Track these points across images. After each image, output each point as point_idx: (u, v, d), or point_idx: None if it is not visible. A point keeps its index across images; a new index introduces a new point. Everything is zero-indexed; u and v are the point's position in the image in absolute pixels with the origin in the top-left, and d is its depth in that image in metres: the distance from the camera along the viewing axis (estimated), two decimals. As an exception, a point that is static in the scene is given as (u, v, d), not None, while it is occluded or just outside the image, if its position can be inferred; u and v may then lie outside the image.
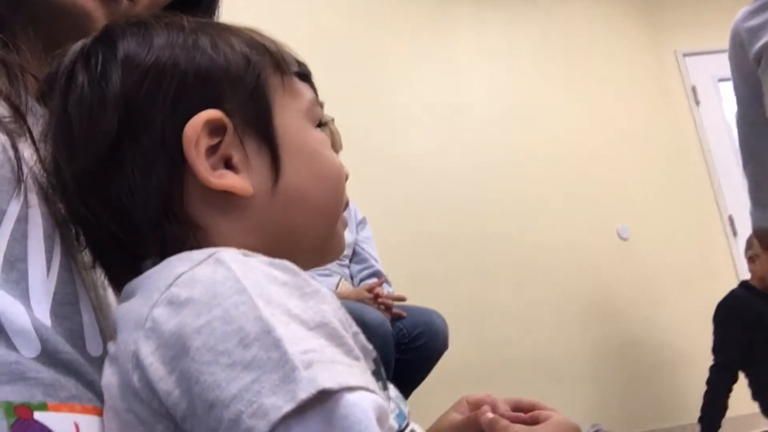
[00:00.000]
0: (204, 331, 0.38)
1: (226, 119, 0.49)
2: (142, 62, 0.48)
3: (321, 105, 0.57)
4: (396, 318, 1.97)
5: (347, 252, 2.27)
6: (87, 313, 0.51)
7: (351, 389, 0.35)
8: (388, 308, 1.96)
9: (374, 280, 2.16)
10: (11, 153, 0.48)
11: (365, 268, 2.27)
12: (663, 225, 3.53)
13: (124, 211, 0.48)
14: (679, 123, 3.69)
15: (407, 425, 0.54)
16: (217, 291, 0.39)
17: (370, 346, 0.49)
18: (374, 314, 1.82)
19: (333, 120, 2.26)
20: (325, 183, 0.54)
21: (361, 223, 2.40)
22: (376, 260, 2.31)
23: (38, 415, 0.41)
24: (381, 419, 0.36)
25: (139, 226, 0.48)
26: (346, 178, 0.58)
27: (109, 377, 0.44)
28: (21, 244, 0.47)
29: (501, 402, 0.65)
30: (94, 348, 0.50)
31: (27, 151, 0.52)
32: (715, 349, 2.67)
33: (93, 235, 0.51)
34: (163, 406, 0.38)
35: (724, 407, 2.61)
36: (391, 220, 2.78)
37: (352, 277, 2.25)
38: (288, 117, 0.53)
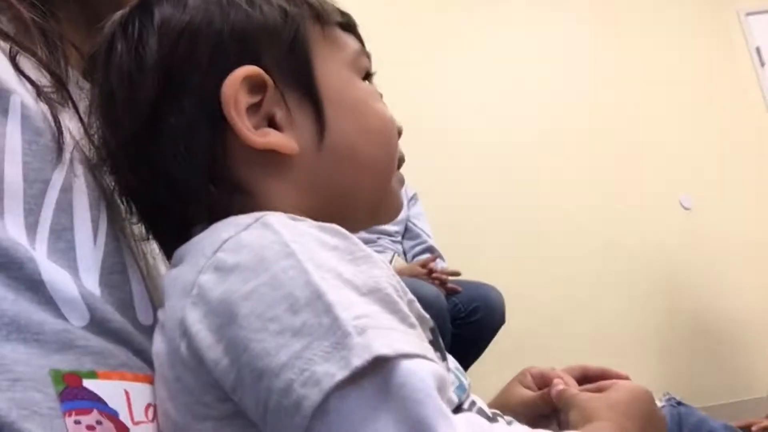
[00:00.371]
0: (252, 297, 0.37)
1: (265, 75, 0.47)
2: (177, 24, 0.47)
3: (368, 56, 0.55)
4: (451, 293, 1.94)
5: (399, 228, 2.25)
6: (136, 282, 0.51)
7: (408, 356, 0.33)
8: (442, 283, 1.94)
9: (427, 255, 2.14)
10: (52, 122, 0.48)
11: (418, 244, 2.25)
12: (727, 194, 3.39)
13: (170, 176, 0.47)
14: (743, 85, 3.52)
15: (468, 397, 0.51)
16: (265, 255, 0.38)
17: (427, 315, 0.47)
18: (429, 289, 1.81)
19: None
20: (375, 136, 0.52)
21: (412, 199, 2.38)
22: (428, 235, 2.28)
23: (87, 383, 0.41)
24: (441, 388, 0.34)
25: (187, 190, 0.47)
26: (400, 133, 0.56)
27: (158, 345, 0.44)
28: (67, 214, 0.47)
29: (567, 375, 0.62)
30: (144, 316, 0.50)
31: (72, 123, 0.52)
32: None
33: (143, 205, 0.51)
34: (212, 375, 0.38)
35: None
36: (445, 196, 2.75)
37: (405, 254, 2.24)
38: (331, 69, 0.51)
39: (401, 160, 0.56)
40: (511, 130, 3.05)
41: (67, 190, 0.47)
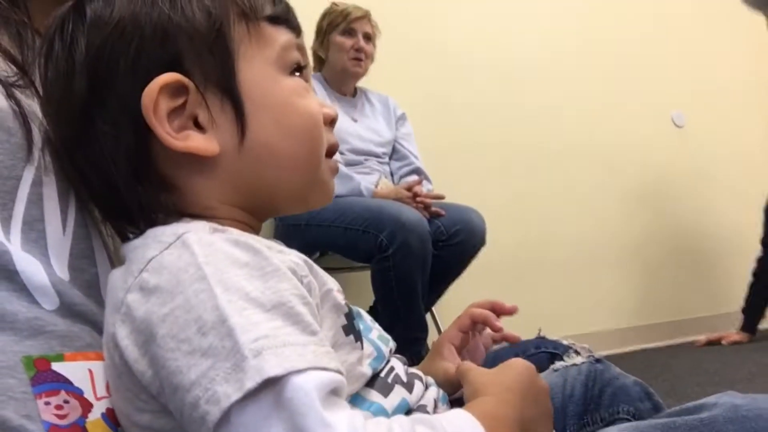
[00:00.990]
0: (168, 319, 0.42)
1: (185, 79, 0.49)
2: (104, 24, 0.49)
3: (300, 47, 0.55)
4: (435, 216, 1.99)
5: (386, 149, 2.26)
6: (102, 263, 0.56)
7: (299, 371, 0.38)
8: (426, 207, 1.98)
9: (414, 177, 2.17)
10: (20, 119, 0.51)
11: (405, 165, 2.26)
12: (719, 111, 3.37)
13: (103, 173, 0.50)
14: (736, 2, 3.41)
15: (387, 363, 0.57)
16: (180, 279, 0.43)
17: (342, 302, 0.52)
18: (411, 213, 1.85)
19: (369, 13, 2.20)
20: (296, 135, 0.53)
21: (400, 119, 2.36)
22: (416, 157, 2.29)
23: (56, 366, 0.46)
24: (335, 390, 0.40)
25: (118, 187, 0.50)
26: (332, 121, 0.57)
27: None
28: (37, 206, 0.51)
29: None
30: None
31: (36, 107, 0.55)
32: (764, 241, 2.63)
33: (90, 192, 0.54)
34: (142, 382, 0.43)
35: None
36: (433, 119, 2.73)
37: (392, 174, 2.25)
38: (254, 69, 0.52)
39: (333, 148, 0.58)
40: (502, 50, 2.98)
41: (37, 184, 0.51)
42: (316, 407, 0.37)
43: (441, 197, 2.04)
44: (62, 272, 0.51)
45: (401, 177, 2.23)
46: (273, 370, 0.38)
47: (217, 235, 0.47)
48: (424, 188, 2.12)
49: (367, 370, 0.53)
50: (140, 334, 0.43)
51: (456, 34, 2.91)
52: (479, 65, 2.91)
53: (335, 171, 0.59)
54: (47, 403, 0.45)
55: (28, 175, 0.51)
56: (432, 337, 2.01)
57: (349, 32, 2.17)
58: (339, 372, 0.41)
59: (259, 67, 0.52)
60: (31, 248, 0.49)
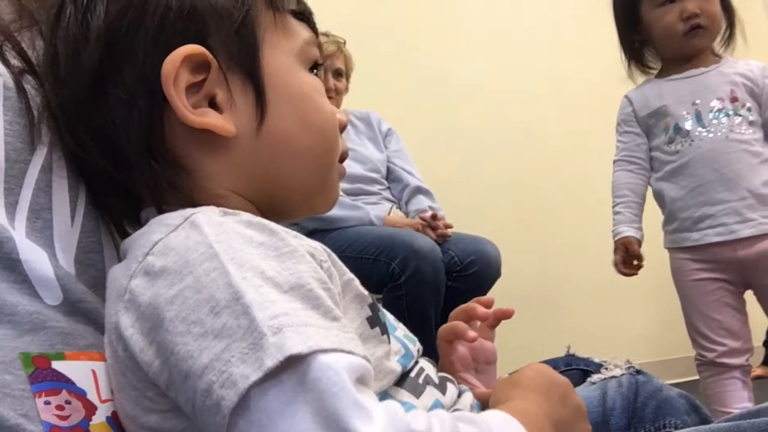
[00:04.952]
0: (176, 301, 0.38)
1: (209, 55, 0.47)
2: None
3: (319, 46, 0.55)
4: (442, 238, 1.94)
5: (381, 174, 2.17)
6: (110, 260, 0.52)
7: (325, 351, 0.35)
8: (434, 229, 1.94)
9: (429, 213, 2.04)
10: (24, 102, 0.49)
11: (403, 187, 2.18)
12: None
13: (109, 143, 0.48)
14: (754, 30, 3.43)
15: (417, 364, 0.54)
16: (189, 259, 0.39)
17: (365, 292, 0.49)
18: (424, 241, 1.82)
19: (344, 42, 2.19)
20: (314, 128, 0.53)
21: (388, 135, 2.28)
22: (411, 174, 2.20)
23: (56, 364, 0.43)
24: (363, 378, 0.36)
25: (127, 160, 0.48)
26: (343, 127, 0.57)
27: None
28: (45, 194, 0.48)
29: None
30: None
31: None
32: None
33: (88, 173, 0.51)
34: (148, 375, 0.39)
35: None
36: (443, 148, 2.73)
37: (398, 201, 2.20)
38: (278, 57, 0.51)
39: (345, 154, 0.57)
40: (515, 77, 2.99)
41: (46, 169, 0.48)
42: (349, 388, 0.33)
43: (450, 226, 2.01)
44: (68, 266, 0.48)
45: (405, 202, 2.17)
46: (296, 347, 0.34)
47: (229, 217, 0.44)
48: (426, 204, 2.09)
49: (396, 366, 0.49)
50: (146, 320, 0.40)
51: (465, 62, 2.92)
52: (491, 93, 2.91)
53: (343, 175, 0.58)
54: (47, 403, 0.41)
55: (38, 160, 0.48)
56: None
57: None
58: (366, 359, 0.37)
59: (282, 57, 0.52)
60: (36, 238, 0.46)
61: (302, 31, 0.54)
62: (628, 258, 1.66)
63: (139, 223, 0.50)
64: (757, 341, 2.64)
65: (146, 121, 0.47)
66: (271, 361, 0.34)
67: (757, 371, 2.60)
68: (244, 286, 0.37)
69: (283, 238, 0.42)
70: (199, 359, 0.36)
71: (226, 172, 0.49)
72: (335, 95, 2.16)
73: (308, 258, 0.42)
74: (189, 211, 0.44)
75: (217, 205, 0.48)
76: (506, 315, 0.68)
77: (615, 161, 1.70)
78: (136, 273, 0.42)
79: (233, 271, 0.38)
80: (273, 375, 0.34)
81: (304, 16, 0.55)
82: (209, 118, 0.47)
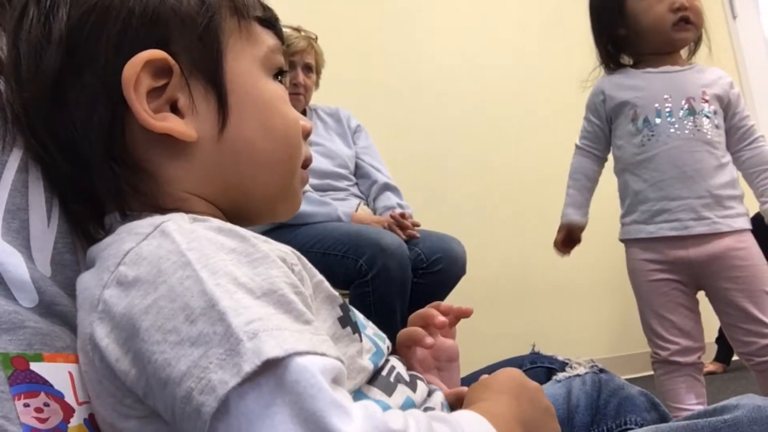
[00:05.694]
0: (151, 310, 0.38)
1: (171, 60, 0.47)
2: None
3: (284, 54, 0.56)
4: (410, 238, 1.94)
5: (349, 169, 2.17)
6: (85, 262, 0.52)
7: (300, 354, 0.36)
8: (403, 228, 1.94)
9: (398, 211, 2.05)
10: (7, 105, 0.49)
11: (371, 184, 2.19)
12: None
13: (71, 147, 0.48)
14: (714, 38, 3.52)
15: (387, 362, 0.55)
16: (162, 268, 0.40)
17: (335, 293, 0.50)
18: (391, 238, 1.82)
19: (316, 38, 2.18)
20: (276, 135, 0.53)
21: (357, 132, 2.29)
22: (379, 170, 2.21)
23: (34, 366, 0.43)
24: (337, 379, 0.37)
25: (88, 164, 0.48)
26: (307, 134, 0.57)
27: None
28: (22, 194, 0.48)
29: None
30: None
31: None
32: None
33: (52, 175, 0.50)
34: (126, 384, 0.40)
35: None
36: (409, 144, 2.74)
37: (366, 197, 2.20)
38: (241, 63, 0.51)
39: (308, 161, 0.58)
40: (479, 75, 3.01)
41: (22, 170, 0.48)
42: (326, 389, 0.34)
43: (417, 224, 2.02)
44: (44, 267, 0.48)
45: (373, 199, 2.18)
46: (272, 351, 0.35)
47: (199, 224, 0.44)
48: (394, 201, 2.10)
49: (368, 364, 0.51)
50: (122, 330, 0.40)
51: (433, 58, 2.93)
52: (456, 90, 2.93)
53: (306, 182, 0.59)
54: (26, 405, 0.41)
55: (14, 161, 0.48)
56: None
57: (289, 65, 2.13)
58: (339, 360, 0.38)
59: (246, 64, 0.52)
60: (12, 239, 0.46)
61: (267, 38, 0.54)
62: (568, 240, 1.74)
63: (103, 228, 0.50)
64: (710, 338, 2.73)
65: (107, 125, 0.47)
66: (248, 366, 0.35)
67: (710, 367, 2.69)
68: (219, 292, 0.38)
69: (254, 244, 0.42)
70: (177, 367, 0.36)
71: (188, 176, 0.50)
72: (304, 91, 2.15)
73: (280, 263, 0.42)
74: (158, 218, 0.44)
75: (181, 208, 0.48)
76: (465, 314, 0.69)
77: (576, 145, 1.74)
78: (108, 283, 0.42)
79: (207, 278, 0.38)
80: (251, 379, 0.35)
81: (270, 23, 0.55)
82: (169, 123, 0.48)
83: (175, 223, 0.43)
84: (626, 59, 1.68)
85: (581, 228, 1.73)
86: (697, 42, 1.64)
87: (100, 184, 0.49)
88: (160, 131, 0.47)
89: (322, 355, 0.37)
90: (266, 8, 0.55)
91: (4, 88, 0.50)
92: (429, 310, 0.69)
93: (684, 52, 1.64)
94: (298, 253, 0.48)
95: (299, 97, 2.14)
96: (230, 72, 0.50)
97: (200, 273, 0.38)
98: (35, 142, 0.49)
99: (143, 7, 0.47)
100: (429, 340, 0.64)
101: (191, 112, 0.49)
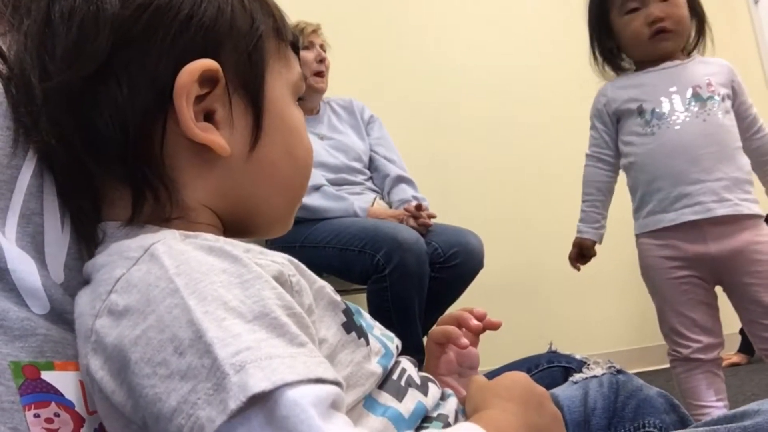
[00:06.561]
0: (140, 342, 0.38)
1: (221, 72, 0.47)
2: None
3: (302, 35, 0.57)
4: (424, 227, 1.95)
5: (363, 163, 2.17)
6: None
7: (290, 385, 0.34)
8: (421, 225, 1.94)
9: (414, 203, 2.03)
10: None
11: (384, 176, 2.18)
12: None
13: (97, 136, 0.46)
14: (736, 24, 3.46)
15: (398, 364, 0.54)
16: (151, 296, 0.39)
17: (338, 298, 0.50)
18: (408, 233, 1.82)
19: (319, 26, 2.17)
20: (297, 164, 0.54)
21: (370, 123, 2.27)
22: (393, 161, 2.20)
23: (45, 375, 0.43)
24: (335, 404, 0.36)
25: (112, 157, 0.46)
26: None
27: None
28: (37, 199, 0.48)
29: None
30: None
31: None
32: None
33: (60, 167, 0.48)
34: (125, 415, 0.39)
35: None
36: (425, 138, 2.72)
37: (381, 191, 2.20)
38: (278, 86, 0.52)
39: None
40: (498, 68, 2.99)
41: (37, 175, 0.48)
42: (318, 425, 0.33)
43: (433, 216, 2.01)
44: (57, 273, 0.48)
45: (387, 192, 2.17)
46: (259, 384, 0.34)
47: (189, 242, 0.43)
48: (409, 194, 2.09)
49: (377, 368, 0.50)
50: (114, 362, 0.39)
51: (450, 50, 2.91)
52: (474, 84, 2.91)
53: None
54: (37, 416, 0.42)
55: (30, 165, 0.48)
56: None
57: (308, 47, 2.11)
58: (336, 383, 0.37)
59: (280, 87, 0.53)
60: (26, 244, 0.46)
61: (296, 64, 0.55)
62: (580, 255, 1.76)
63: (95, 233, 0.49)
64: (734, 329, 2.69)
65: (142, 124, 0.46)
66: (234, 403, 0.34)
67: (734, 359, 2.65)
68: (206, 322, 0.37)
69: (246, 265, 0.41)
70: (167, 402, 0.36)
71: (206, 186, 0.49)
72: (325, 70, 2.15)
73: (273, 283, 0.41)
74: (148, 240, 0.43)
75: (185, 218, 0.48)
76: (493, 327, 0.69)
77: (586, 155, 1.73)
78: (100, 312, 0.41)
79: (194, 306, 0.37)
80: (240, 413, 0.34)
81: (297, 49, 0.55)
82: (212, 135, 0.47)
83: (164, 244, 0.42)
84: (627, 64, 1.68)
85: (593, 244, 1.74)
86: (700, 36, 1.62)
87: (117, 180, 0.47)
88: (201, 141, 0.47)
89: (316, 381, 0.36)
90: (294, 34, 0.56)
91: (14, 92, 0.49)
92: (464, 312, 0.69)
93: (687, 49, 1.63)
94: (296, 261, 0.48)
95: (323, 77, 2.14)
96: (269, 93, 0.51)
97: (188, 301, 0.38)
98: (53, 130, 0.46)
99: (202, 14, 0.47)
100: (464, 340, 0.65)
101: (228, 126, 0.49)
